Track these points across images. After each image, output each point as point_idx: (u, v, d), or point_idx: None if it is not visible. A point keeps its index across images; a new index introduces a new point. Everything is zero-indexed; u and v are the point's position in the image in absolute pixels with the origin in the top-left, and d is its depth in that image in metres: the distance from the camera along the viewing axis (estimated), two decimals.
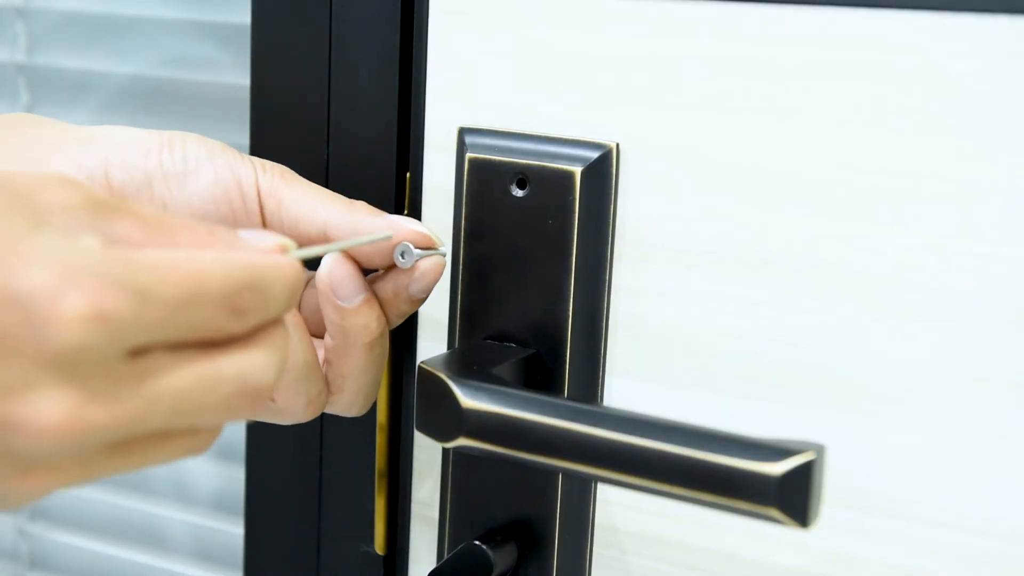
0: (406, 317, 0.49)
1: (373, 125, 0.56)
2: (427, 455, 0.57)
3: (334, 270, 0.46)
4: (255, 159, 0.47)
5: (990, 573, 0.45)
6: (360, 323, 0.46)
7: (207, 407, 0.35)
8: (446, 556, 0.53)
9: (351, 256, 0.46)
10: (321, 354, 0.49)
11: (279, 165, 0.48)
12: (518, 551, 0.52)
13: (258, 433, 0.63)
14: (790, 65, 0.46)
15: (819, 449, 0.39)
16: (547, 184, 0.49)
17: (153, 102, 0.78)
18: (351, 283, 0.46)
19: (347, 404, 0.49)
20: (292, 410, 0.46)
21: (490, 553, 0.50)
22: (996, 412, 0.44)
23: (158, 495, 0.85)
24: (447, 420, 0.44)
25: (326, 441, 0.61)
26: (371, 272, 0.48)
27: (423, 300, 0.48)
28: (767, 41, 0.46)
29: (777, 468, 0.38)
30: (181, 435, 0.36)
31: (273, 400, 0.46)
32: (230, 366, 0.35)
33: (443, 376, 0.44)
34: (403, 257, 0.46)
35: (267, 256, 0.36)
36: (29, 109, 0.84)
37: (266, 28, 0.59)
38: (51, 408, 0.32)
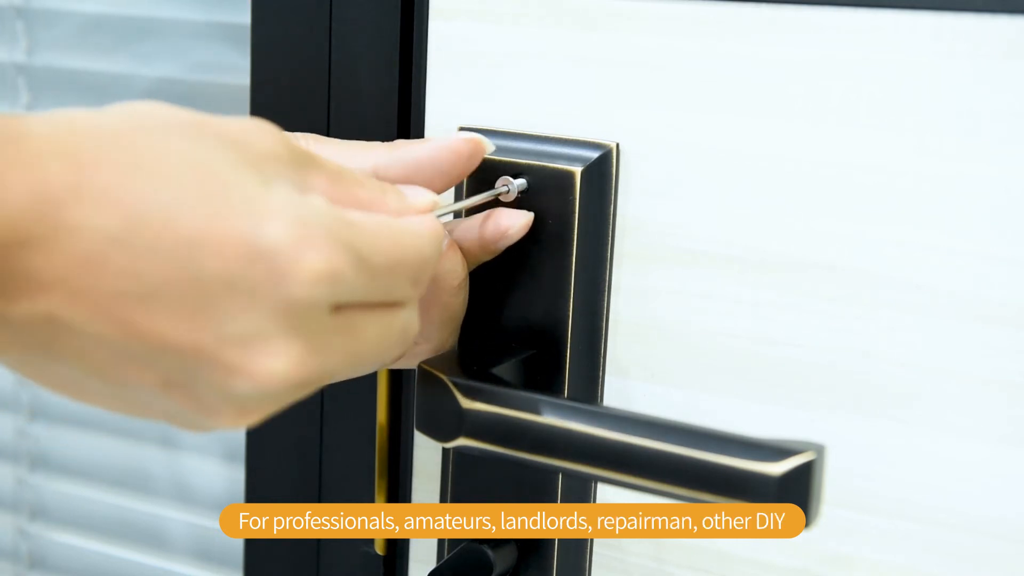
0: (480, 264, 0.50)
1: (373, 125, 0.56)
2: (427, 455, 0.57)
3: None
4: (289, 134, 0.49)
5: (990, 573, 0.45)
6: (447, 268, 0.47)
7: (378, 357, 0.39)
8: (446, 556, 0.53)
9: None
10: None
11: (308, 134, 0.49)
12: (518, 551, 0.52)
13: (258, 433, 0.63)
14: (790, 65, 0.46)
15: (819, 449, 0.39)
16: (547, 184, 0.49)
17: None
18: None
19: (434, 350, 0.50)
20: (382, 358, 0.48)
21: (490, 553, 0.50)
22: (996, 412, 0.44)
23: (158, 495, 0.85)
24: (447, 420, 0.44)
25: (326, 441, 0.61)
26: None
27: (500, 251, 0.49)
28: (767, 41, 0.46)
29: (777, 468, 0.38)
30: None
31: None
32: (399, 322, 0.39)
33: (443, 376, 0.44)
34: (507, 190, 0.49)
35: (435, 228, 0.40)
36: (29, 110, 0.84)
37: (266, 28, 0.59)
38: (280, 360, 0.35)
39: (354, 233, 0.36)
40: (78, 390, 0.36)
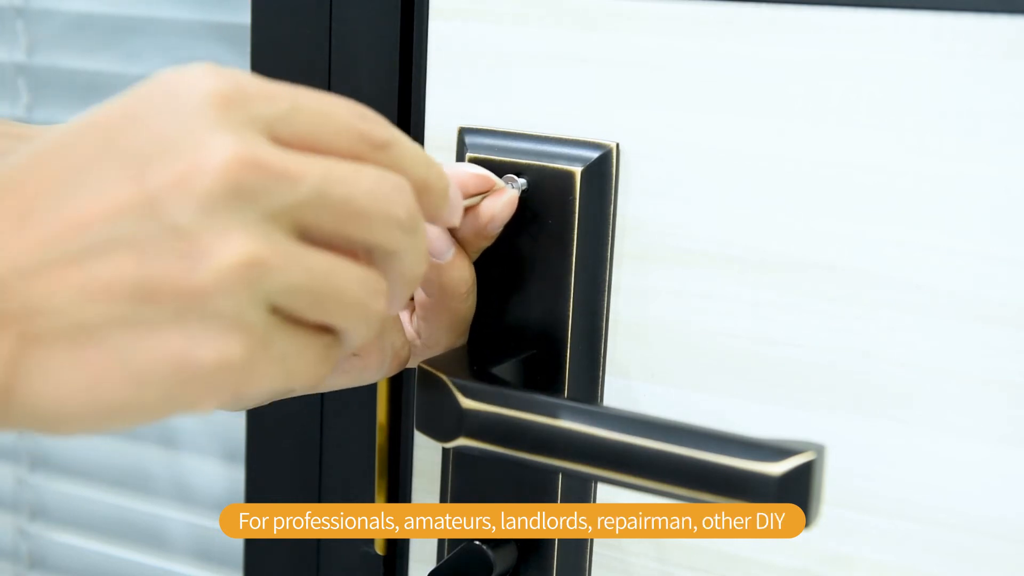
0: (482, 251, 0.49)
1: None
2: (427, 455, 0.57)
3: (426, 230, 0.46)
4: None
5: (990, 573, 0.45)
6: (456, 276, 0.47)
7: (358, 185, 0.35)
8: (446, 556, 0.53)
9: None
10: (405, 314, 0.50)
11: None
12: (518, 551, 0.52)
13: (258, 433, 0.63)
14: (790, 65, 0.46)
15: (819, 449, 0.39)
16: (547, 184, 0.49)
17: None
18: (442, 239, 0.47)
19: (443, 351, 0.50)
20: (376, 366, 0.47)
21: (490, 553, 0.50)
22: (996, 412, 0.44)
23: (158, 495, 0.85)
24: (447, 420, 0.44)
25: (326, 441, 0.61)
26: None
27: (497, 234, 0.48)
28: (767, 41, 0.46)
29: (777, 468, 0.38)
30: (364, 258, 0.37)
31: (356, 355, 0.46)
32: (370, 166, 0.36)
33: (443, 376, 0.44)
34: (512, 188, 0.48)
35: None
36: (29, 110, 0.84)
37: (266, 28, 0.59)
38: (218, 143, 0.32)
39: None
40: (83, 378, 0.33)
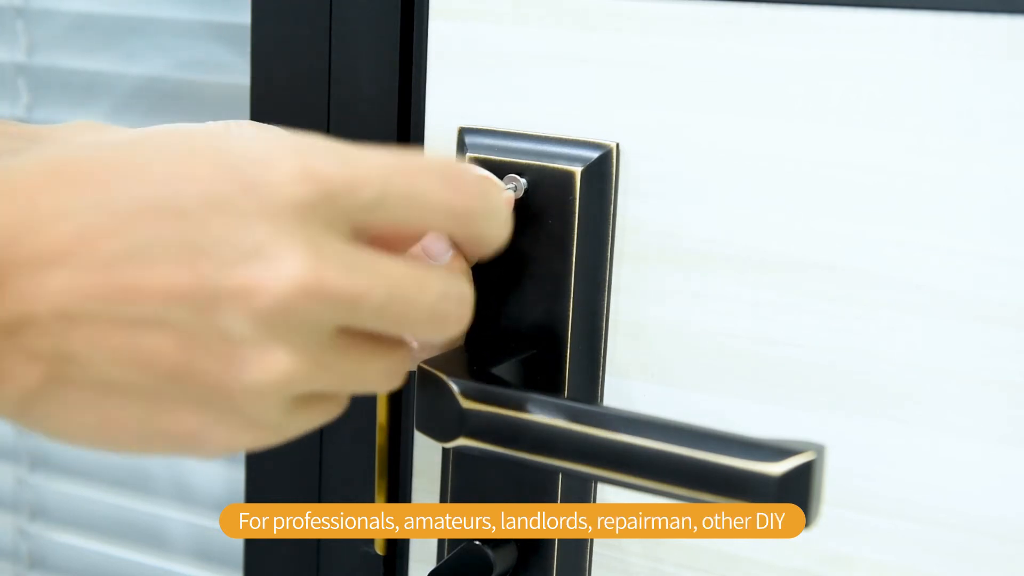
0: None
1: (373, 125, 0.56)
2: (427, 455, 0.57)
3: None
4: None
5: (990, 573, 0.45)
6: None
7: (418, 302, 0.36)
8: (446, 556, 0.53)
9: None
10: None
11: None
12: (518, 551, 0.52)
13: None
14: (790, 65, 0.46)
15: (819, 449, 0.39)
16: (547, 184, 0.49)
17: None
18: (439, 241, 0.47)
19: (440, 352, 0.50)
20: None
21: (490, 553, 0.50)
22: (996, 412, 0.44)
23: (158, 495, 0.85)
24: (447, 420, 0.44)
25: (326, 441, 0.61)
26: None
27: None
28: (767, 41, 0.46)
29: (777, 468, 0.38)
30: (394, 344, 0.37)
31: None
32: (436, 271, 0.37)
33: (443, 376, 0.44)
34: (515, 188, 0.49)
35: None
36: (29, 110, 0.84)
37: (266, 28, 0.59)
38: (289, 264, 0.33)
39: (343, 146, 0.35)
40: (96, 421, 0.34)
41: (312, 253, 0.33)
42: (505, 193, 0.44)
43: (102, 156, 0.34)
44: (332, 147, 0.35)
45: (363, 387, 0.37)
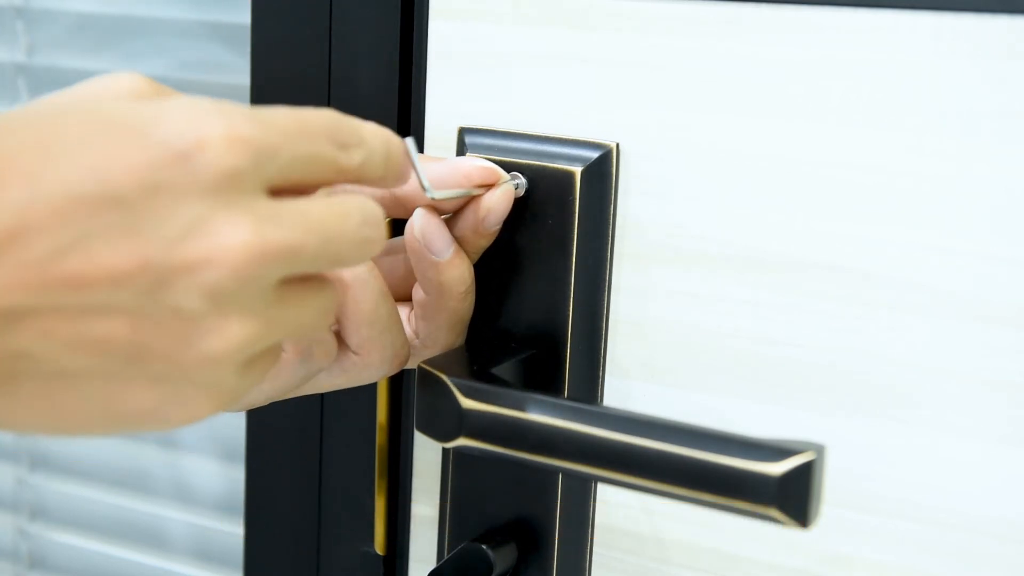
0: (482, 252, 0.49)
1: None
2: (427, 455, 0.57)
3: (425, 227, 0.46)
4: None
5: (990, 573, 0.45)
6: (455, 275, 0.47)
7: (345, 234, 0.36)
8: (446, 556, 0.53)
9: (435, 211, 0.47)
10: (404, 313, 0.49)
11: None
12: (518, 551, 0.52)
13: (258, 433, 0.63)
14: (790, 65, 0.46)
15: (819, 449, 0.39)
16: (547, 184, 0.49)
17: None
18: (442, 236, 0.47)
19: (440, 352, 0.50)
20: (376, 364, 0.47)
21: (490, 553, 0.50)
22: (996, 412, 0.44)
23: (158, 495, 0.85)
24: (447, 420, 0.44)
25: (326, 441, 0.61)
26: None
27: (497, 231, 0.48)
28: (767, 41, 0.46)
29: (777, 468, 0.38)
30: (321, 280, 0.38)
31: (357, 354, 0.46)
32: (350, 200, 0.37)
33: (443, 376, 0.44)
34: (518, 184, 0.49)
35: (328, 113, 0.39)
36: None
37: (266, 28, 0.59)
38: (232, 233, 0.33)
39: (246, 108, 0.35)
40: (49, 410, 0.34)
41: (250, 218, 0.34)
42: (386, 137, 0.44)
43: (15, 143, 0.33)
44: (245, 111, 0.35)
45: (303, 330, 0.38)
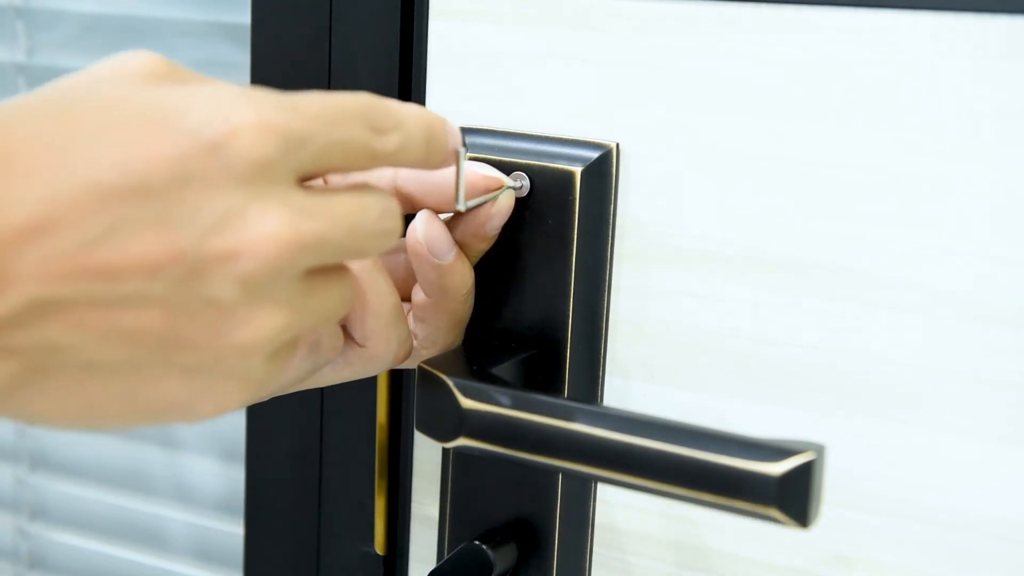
0: (483, 254, 0.49)
1: None
2: (427, 455, 0.57)
3: (428, 230, 0.46)
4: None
5: (990, 573, 0.45)
6: (457, 278, 0.47)
7: (366, 226, 0.37)
8: (446, 556, 0.53)
9: (437, 214, 0.47)
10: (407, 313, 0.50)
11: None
12: (518, 551, 0.52)
13: (258, 433, 0.63)
14: (790, 65, 0.46)
15: (819, 449, 0.39)
16: (547, 184, 0.49)
17: None
18: (444, 240, 0.47)
19: (440, 352, 0.50)
20: (381, 356, 0.47)
21: (490, 553, 0.50)
22: (996, 412, 0.44)
23: (158, 495, 0.85)
24: (447, 420, 0.44)
25: (326, 441, 0.61)
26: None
27: (496, 235, 0.49)
28: (767, 41, 0.46)
29: (777, 468, 0.38)
30: (340, 269, 0.38)
31: (363, 346, 0.46)
32: (369, 193, 0.37)
33: (443, 376, 0.44)
34: (520, 185, 0.49)
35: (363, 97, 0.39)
36: None
37: (266, 28, 0.59)
38: (266, 224, 0.33)
39: (277, 95, 0.35)
40: (80, 403, 0.34)
41: (284, 209, 0.34)
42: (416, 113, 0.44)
43: (34, 131, 0.33)
44: (275, 97, 0.35)
45: (329, 319, 0.38)
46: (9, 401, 0.33)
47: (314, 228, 0.34)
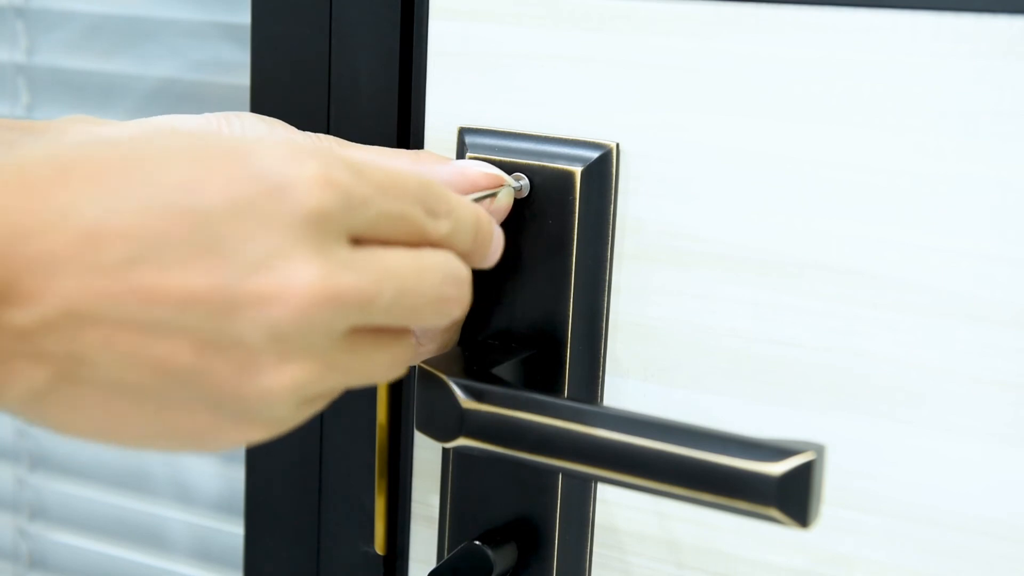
0: None
1: (373, 125, 0.56)
2: (427, 455, 0.57)
3: None
4: (308, 132, 0.49)
5: (990, 573, 0.45)
6: None
7: (421, 290, 0.36)
8: (446, 556, 0.53)
9: None
10: None
11: (331, 136, 0.49)
12: (518, 551, 0.52)
13: None
14: (790, 65, 0.46)
15: (819, 449, 0.39)
16: (547, 184, 0.49)
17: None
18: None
19: (438, 350, 0.50)
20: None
21: (490, 553, 0.50)
22: (996, 412, 0.44)
23: (158, 495, 0.85)
24: (447, 420, 0.44)
25: (326, 441, 0.61)
26: None
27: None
28: (767, 41, 0.46)
29: (777, 468, 0.38)
30: (397, 333, 0.38)
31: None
32: (433, 256, 0.37)
33: (443, 376, 0.44)
34: (520, 186, 0.49)
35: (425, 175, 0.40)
36: (29, 109, 0.84)
37: (266, 28, 0.59)
38: (302, 272, 0.33)
39: (344, 155, 0.36)
40: (104, 419, 0.34)
41: (326, 261, 0.34)
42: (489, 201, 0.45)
43: (114, 153, 0.33)
44: (342, 158, 0.35)
45: (370, 380, 0.38)
46: (36, 407, 0.33)
47: (354, 283, 0.34)
